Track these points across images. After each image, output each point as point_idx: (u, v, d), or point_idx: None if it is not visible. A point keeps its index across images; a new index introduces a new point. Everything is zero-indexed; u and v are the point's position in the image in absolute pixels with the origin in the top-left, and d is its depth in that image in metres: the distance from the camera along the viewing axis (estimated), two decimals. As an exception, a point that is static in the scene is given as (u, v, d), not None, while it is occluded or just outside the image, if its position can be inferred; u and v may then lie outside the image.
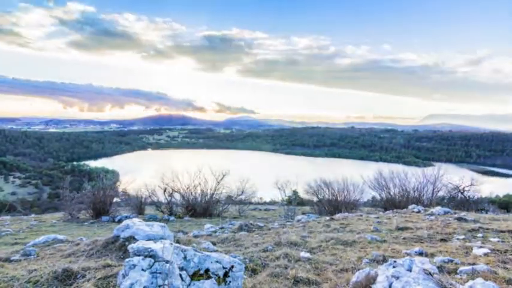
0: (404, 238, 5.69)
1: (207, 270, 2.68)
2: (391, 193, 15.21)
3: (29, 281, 3.01)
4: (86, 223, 12.00)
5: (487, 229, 6.07)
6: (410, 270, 2.74)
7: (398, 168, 18.90)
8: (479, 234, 5.66)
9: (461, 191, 16.42)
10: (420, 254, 4.38)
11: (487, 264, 3.57)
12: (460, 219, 7.49)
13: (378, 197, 16.73)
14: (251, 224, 8.22)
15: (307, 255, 4.46)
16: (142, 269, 2.42)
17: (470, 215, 8.12)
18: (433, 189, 14.81)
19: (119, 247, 3.96)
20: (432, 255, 4.25)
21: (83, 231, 9.56)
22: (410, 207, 10.59)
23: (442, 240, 5.45)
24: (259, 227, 7.95)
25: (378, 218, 8.89)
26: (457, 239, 5.43)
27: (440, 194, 15.57)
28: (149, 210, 15.32)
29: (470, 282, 2.52)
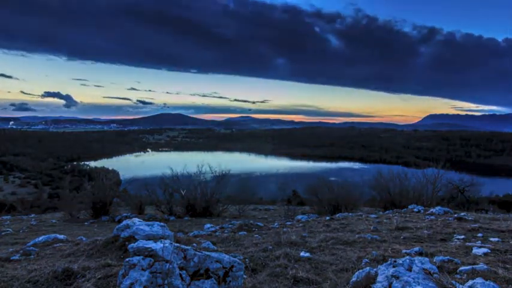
0: (404, 238, 5.69)
1: (207, 270, 2.67)
2: (391, 193, 15.22)
3: (29, 280, 3.01)
4: (86, 223, 12.01)
5: (487, 229, 6.07)
6: (410, 269, 2.74)
7: (398, 168, 18.98)
8: (479, 234, 5.66)
9: (461, 191, 16.44)
10: (420, 253, 4.37)
11: (487, 264, 3.57)
12: (460, 219, 7.50)
13: (378, 197, 16.73)
14: (251, 223, 8.24)
15: (307, 255, 4.46)
16: (142, 269, 2.42)
17: (470, 215, 8.12)
18: (433, 189, 14.82)
19: (119, 247, 3.95)
20: (432, 255, 4.25)
21: (82, 231, 9.56)
22: (410, 207, 10.59)
23: (442, 240, 5.45)
24: (259, 227, 7.96)
25: (377, 217, 8.90)
26: (457, 238, 5.43)
27: (440, 194, 15.57)
28: (149, 210, 15.32)
29: (470, 282, 2.51)
